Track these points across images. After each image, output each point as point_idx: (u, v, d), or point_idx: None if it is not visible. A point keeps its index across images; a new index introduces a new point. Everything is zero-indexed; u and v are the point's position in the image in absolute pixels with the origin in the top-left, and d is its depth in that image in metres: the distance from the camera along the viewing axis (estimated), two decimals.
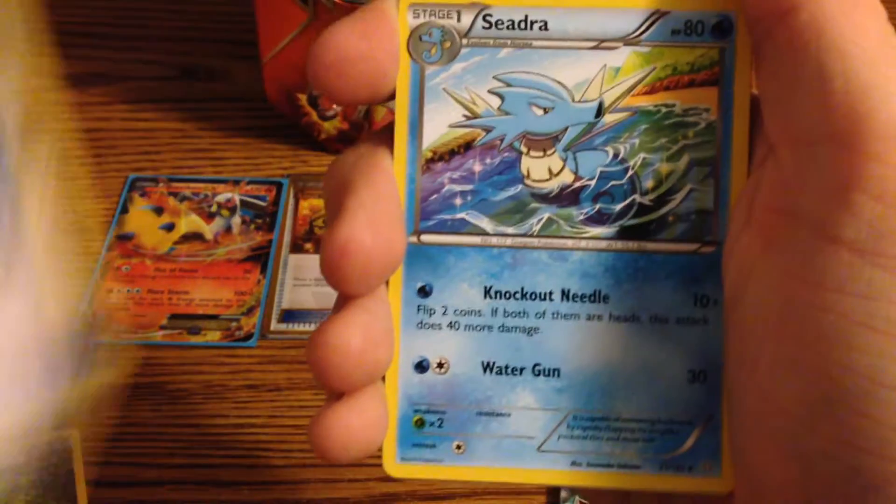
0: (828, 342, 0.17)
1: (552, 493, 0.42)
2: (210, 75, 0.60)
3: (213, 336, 0.47)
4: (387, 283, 0.21)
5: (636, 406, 0.21)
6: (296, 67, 0.52)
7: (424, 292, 0.21)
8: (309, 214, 0.53)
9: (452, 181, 0.21)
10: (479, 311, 0.21)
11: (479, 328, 0.21)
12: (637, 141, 0.21)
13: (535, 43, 0.21)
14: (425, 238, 0.21)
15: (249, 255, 0.51)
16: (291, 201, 0.53)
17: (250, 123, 0.57)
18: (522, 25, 0.21)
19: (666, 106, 0.21)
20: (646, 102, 0.21)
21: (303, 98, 0.53)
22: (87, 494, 0.42)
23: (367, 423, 0.20)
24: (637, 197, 0.21)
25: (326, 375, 0.19)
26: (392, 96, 0.21)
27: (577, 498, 0.42)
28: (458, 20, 0.21)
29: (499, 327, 0.21)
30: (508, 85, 0.21)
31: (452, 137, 0.21)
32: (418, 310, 0.21)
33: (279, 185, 0.54)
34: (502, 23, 0.21)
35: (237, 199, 0.53)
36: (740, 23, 0.20)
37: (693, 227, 0.21)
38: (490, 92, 0.21)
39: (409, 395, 0.21)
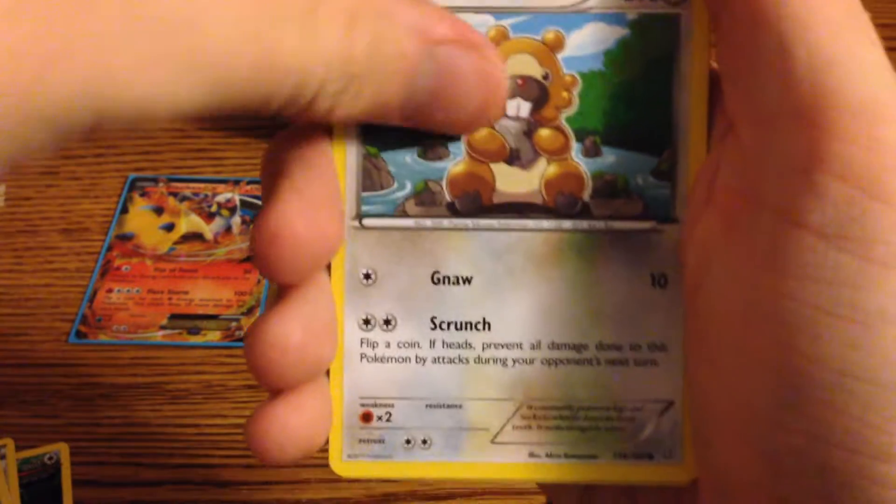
0: (793, 332, 0.16)
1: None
2: None
3: (213, 336, 0.47)
4: (329, 269, 0.20)
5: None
6: None
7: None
8: None
9: None
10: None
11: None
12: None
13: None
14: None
15: (249, 255, 0.51)
16: None
17: (250, 123, 0.57)
18: None
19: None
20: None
21: None
22: (87, 496, 0.42)
23: (306, 422, 0.19)
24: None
25: (264, 373, 0.18)
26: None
27: None
28: None
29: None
30: None
31: None
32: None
33: None
34: None
35: (237, 199, 0.53)
36: None
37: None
38: None
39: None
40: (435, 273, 0.20)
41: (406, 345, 0.20)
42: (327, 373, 0.20)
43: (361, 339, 0.20)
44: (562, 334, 0.20)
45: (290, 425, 0.19)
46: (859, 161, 0.16)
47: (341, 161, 0.20)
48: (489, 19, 0.19)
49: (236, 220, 0.52)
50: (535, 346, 0.20)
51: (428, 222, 0.20)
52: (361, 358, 0.20)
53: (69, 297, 0.49)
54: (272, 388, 0.19)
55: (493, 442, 0.20)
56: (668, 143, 0.20)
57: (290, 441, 0.19)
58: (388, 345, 0.20)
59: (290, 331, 0.18)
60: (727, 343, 0.18)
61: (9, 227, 0.52)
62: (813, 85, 0.16)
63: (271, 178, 0.19)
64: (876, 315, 0.16)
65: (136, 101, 0.15)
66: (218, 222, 0.52)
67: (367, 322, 0.20)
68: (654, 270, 0.20)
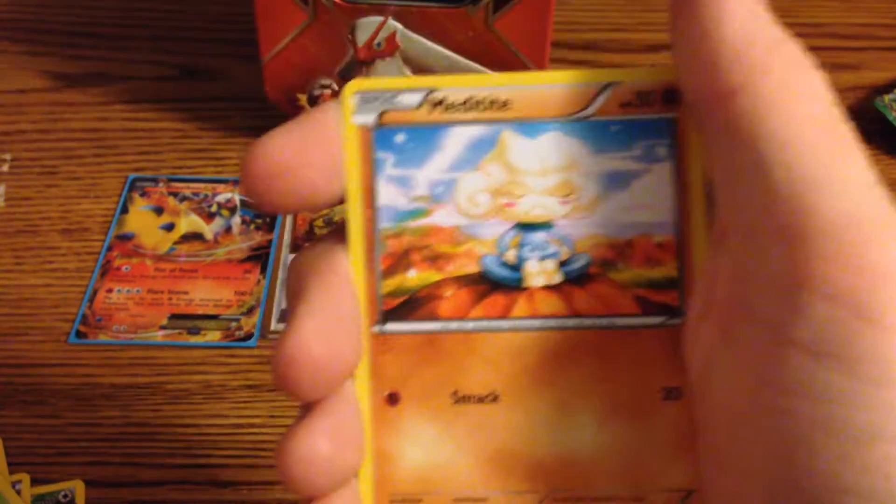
0: (790, 447, 0.16)
1: None
2: (210, 75, 0.60)
3: (213, 336, 0.47)
4: (353, 377, 0.21)
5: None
6: (296, 67, 0.52)
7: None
8: (309, 215, 0.53)
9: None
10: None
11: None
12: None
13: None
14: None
15: (249, 255, 0.51)
16: None
17: (250, 123, 0.57)
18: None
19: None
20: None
21: (303, 98, 0.53)
22: (87, 496, 0.42)
23: None
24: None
25: (296, 486, 0.19)
26: (331, 204, 0.20)
27: None
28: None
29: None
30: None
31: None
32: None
33: None
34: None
35: (237, 199, 0.53)
36: None
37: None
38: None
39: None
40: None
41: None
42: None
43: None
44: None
45: None
46: (843, 282, 0.16)
47: (360, 268, 0.20)
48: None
49: (236, 220, 0.52)
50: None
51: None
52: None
53: (69, 297, 0.49)
54: (303, 497, 0.20)
55: None
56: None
57: None
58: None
59: (317, 444, 0.19)
60: (729, 448, 0.18)
61: (9, 227, 0.52)
62: (793, 204, 0.16)
63: (291, 300, 0.20)
64: (867, 432, 0.16)
65: None
66: (218, 222, 0.52)
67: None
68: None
